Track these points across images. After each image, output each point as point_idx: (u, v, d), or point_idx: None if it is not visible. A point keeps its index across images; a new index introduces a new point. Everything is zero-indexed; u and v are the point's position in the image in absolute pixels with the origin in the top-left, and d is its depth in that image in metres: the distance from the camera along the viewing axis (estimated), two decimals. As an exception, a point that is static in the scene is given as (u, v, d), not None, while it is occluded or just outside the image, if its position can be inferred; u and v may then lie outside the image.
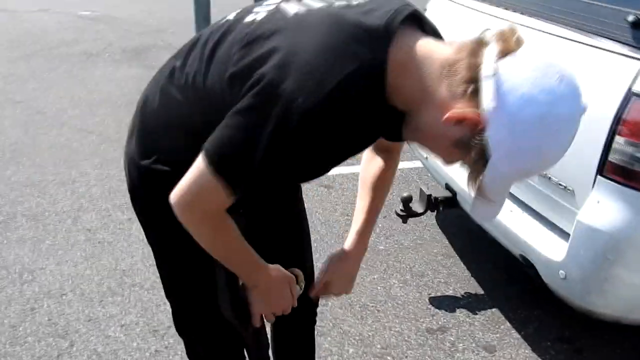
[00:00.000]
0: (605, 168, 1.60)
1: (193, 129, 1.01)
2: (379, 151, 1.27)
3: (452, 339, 2.18)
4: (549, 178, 1.83)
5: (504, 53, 0.82)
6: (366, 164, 1.30)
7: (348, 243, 1.31)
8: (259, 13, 1.01)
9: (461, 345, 2.15)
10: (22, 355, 2.00)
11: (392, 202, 3.13)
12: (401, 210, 2.47)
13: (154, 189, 1.07)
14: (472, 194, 0.92)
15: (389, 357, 2.08)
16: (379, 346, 2.13)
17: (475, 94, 0.82)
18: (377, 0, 0.95)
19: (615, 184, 1.59)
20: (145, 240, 1.26)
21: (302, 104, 0.85)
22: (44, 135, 3.88)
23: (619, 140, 1.56)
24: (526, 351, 2.13)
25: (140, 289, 2.37)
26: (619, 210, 1.59)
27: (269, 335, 1.44)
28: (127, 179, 1.17)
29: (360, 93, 0.88)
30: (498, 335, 2.21)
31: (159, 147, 1.10)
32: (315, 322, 1.53)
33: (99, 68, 5.46)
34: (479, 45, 0.84)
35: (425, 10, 2.87)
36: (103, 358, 2.01)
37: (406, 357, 2.08)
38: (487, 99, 0.81)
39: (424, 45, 0.91)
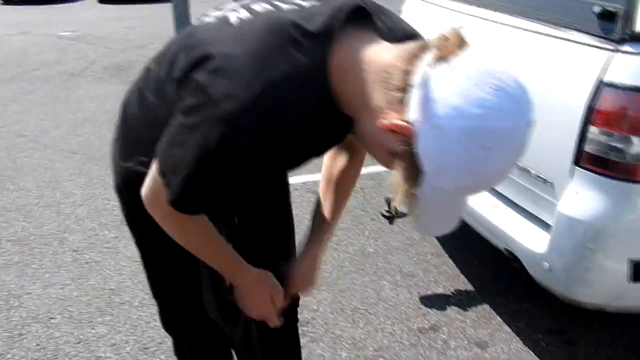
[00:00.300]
0: (582, 159, 1.61)
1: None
2: (343, 147, 1.26)
3: (444, 337, 2.18)
4: (528, 171, 1.84)
5: (440, 60, 0.75)
6: (329, 160, 1.29)
7: (308, 241, 1.29)
8: (209, 17, 1.03)
9: (453, 342, 2.16)
10: (12, 381, 1.99)
11: (379, 204, 3.14)
12: (386, 211, 2.46)
13: (135, 190, 1.07)
14: (406, 208, 0.86)
15: (381, 359, 2.07)
16: (371, 349, 2.13)
17: (404, 102, 0.78)
18: (328, 1, 0.92)
19: (592, 174, 1.60)
20: (134, 258, 1.28)
21: (229, 108, 0.84)
22: (26, 158, 3.86)
23: (593, 130, 1.57)
24: (518, 345, 2.14)
25: (130, 306, 2.36)
26: (597, 199, 1.61)
27: None
28: (114, 182, 1.19)
29: (293, 100, 0.85)
30: (489, 330, 2.22)
31: (139, 149, 1.10)
32: (297, 320, 1.52)
33: (81, 87, 5.44)
34: (419, 49, 0.79)
35: (400, 12, 2.89)
36: (94, 379, 1.99)
37: (399, 358, 2.08)
38: (412, 110, 0.76)
39: (366, 48, 0.86)
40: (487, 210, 2.06)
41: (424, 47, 0.79)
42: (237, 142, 0.85)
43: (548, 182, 1.76)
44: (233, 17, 0.95)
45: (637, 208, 1.57)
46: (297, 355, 1.59)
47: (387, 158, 0.85)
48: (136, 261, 1.29)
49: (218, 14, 1.01)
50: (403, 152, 0.79)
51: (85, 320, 2.28)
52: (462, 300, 2.39)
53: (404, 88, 0.78)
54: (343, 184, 1.28)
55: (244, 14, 0.95)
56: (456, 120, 0.73)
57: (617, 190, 1.57)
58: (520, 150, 0.79)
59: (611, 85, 1.52)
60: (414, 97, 0.76)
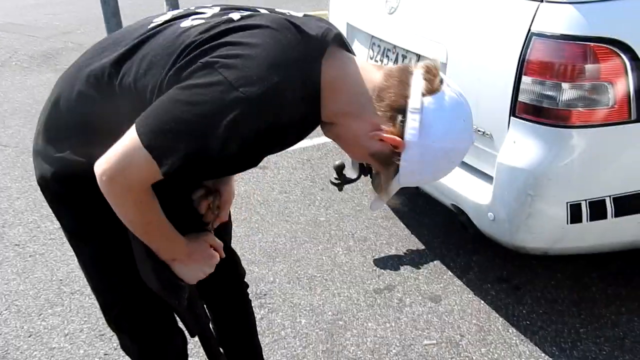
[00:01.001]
0: (517, 108, 1.67)
1: (110, 126, 1.00)
2: None
3: (399, 295, 2.25)
4: (469, 127, 1.90)
5: (429, 91, 0.97)
6: None
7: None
8: (200, 17, 1.06)
9: (408, 299, 2.22)
10: (-40, 382, 1.90)
11: (327, 174, 3.17)
12: (335, 178, 2.50)
13: (71, 179, 1.08)
14: (375, 194, 1.11)
15: (340, 322, 2.12)
16: (330, 313, 2.16)
17: (399, 121, 0.97)
18: (306, 18, 1.06)
19: (528, 123, 1.67)
20: None
21: (242, 92, 0.91)
22: (-46, 154, 3.64)
23: (526, 80, 1.63)
24: (469, 295, 2.23)
25: (81, 295, 2.29)
26: (534, 147, 1.68)
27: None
28: (37, 172, 1.15)
29: (294, 98, 0.96)
30: (442, 285, 2.30)
31: (74, 142, 1.08)
32: (246, 285, 1.52)
33: (6, 78, 5.15)
34: (405, 74, 0.99)
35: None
36: (50, 371, 1.94)
37: (357, 319, 2.13)
38: (412, 131, 0.97)
39: (354, 64, 1.02)
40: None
41: (408, 72, 1.00)
42: (246, 126, 0.93)
43: (487, 134, 1.82)
44: (235, 16, 1.03)
45: (572, 152, 1.66)
46: (251, 323, 1.60)
47: (364, 156, 1.06)
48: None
49: (215, 11, 1.07)
50: (385, 157, 1.01)
51: (34, 313, 2.20)
52: (415, 259, 2.46)
53: (400, 109, 0.98)
54: None
55: (243, 14, 1.04)
56: (439, 142, 0.99)
57: (552, 137, 1.64)
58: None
59: (540, 35, 1.59)
60: (412, 121, 0.97)
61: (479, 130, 1.85)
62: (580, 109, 1.60)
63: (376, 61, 2.38)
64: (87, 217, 1.13)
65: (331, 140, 1.12)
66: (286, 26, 0.99)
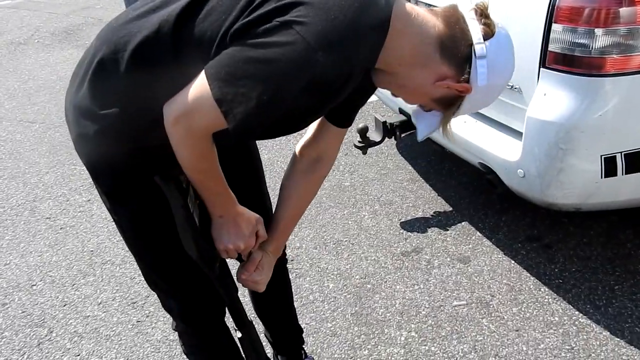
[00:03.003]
0: (547, 59, 1.60)
1: (168, 79, 0.99)
2: (309, 159, 1.27)
3: (427, 257, 2.22)
4: (496, 81, 1.83)
5: (489, 35, 1.00)
6: (296, 166, 1.29)
7: (268, 243, 1.28)
8: None
9: (436, 261, 2.20)
10: (1, 350, 1.96)
11: (351, 137, 3.12)
12: (359, 141, 2.46)
13: (115, 135, 1.06)
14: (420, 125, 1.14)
15: (368, 285, 2.11)
16: (357, 277, 2.16)
17: (467, 69, 1.00)
18: None
19: (559, 73, 1.60)
20: (110, 217, 1.24)
21: (320, 53, 0.91)
22: (-17, 132, 3.71)
23: (556, 28, 1.56)
24: (499, 256, 2.19)
25: (112, 265, 2.33)
26: (566, 98, 1.61)
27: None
28: (76, 130, 1.11)
29: (364, 56, 0.98)
30: (470, 246, 2.26)
31: (123, 99, 1.04)
32: (286, 260, 1.52)
33: (30, 56, 5.20)
34: (463, 19, 1.01)
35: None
36: (85, 338, 1.98)
37: (385, 282, 2.12)
38: (482, 77, 1.00)
39: (417, 12, 1.01)
40: (458, 126, 2.06)
41: (463, 17, 1.01)
42: (320, 84, 0.95)
43: (515, 88, 1.75)
44: None
45: (606, 103, 1.58)
46: (289, 292, 1.61)
47: (426, 102, 1.09)
48: (112, 221, 1.24)
49: None
50: (449, 100, 1.06)
51: (68, 284, 2.25)
52: (442, 221, 2.43)
53: (463, 57, 1.00)
54: (306, 193, 1.31)
55: None
56: (503, 78, 1.06)
57: (584, 87, 1.57)
58: None
59: (571, -22, 1.50)
60: (480, 67, 1.00)
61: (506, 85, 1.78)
62: (614, 56, 1.52)
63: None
64: (124, 184, 1.13)
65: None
66: None
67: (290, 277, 2.15)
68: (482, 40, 0.99)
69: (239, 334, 1.29)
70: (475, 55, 1.00)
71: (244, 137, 0.97)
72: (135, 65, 1.02)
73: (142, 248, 1.23)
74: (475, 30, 1.00)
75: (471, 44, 1.00)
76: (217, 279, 1.20)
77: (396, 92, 1.11)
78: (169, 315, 1.38)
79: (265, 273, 1.28)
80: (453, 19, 1.01)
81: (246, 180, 1.37)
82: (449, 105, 1.07)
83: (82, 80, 1.09)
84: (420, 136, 1.15)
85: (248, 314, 1.32)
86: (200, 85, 0.95)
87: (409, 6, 1.02)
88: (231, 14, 0.96)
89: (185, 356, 1.46)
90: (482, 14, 1.01)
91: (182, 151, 1.01)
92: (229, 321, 1.33)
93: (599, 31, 1.49)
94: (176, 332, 1.42)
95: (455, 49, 1.00)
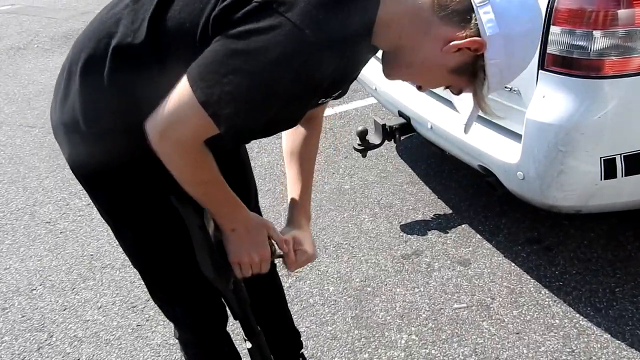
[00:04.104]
0: (546, 61, 1.60)
1: (152, 86, 0.93)
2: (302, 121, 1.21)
3: (427, 260, 2.22)
4: (495, 84, 1.83)
5: None
6: (289, 135, 1.26)
7: (294, 216, 1.24)
8: None
9: (437, 264, 2.19)
10: (1, 355, 1.96)
11: (350, 142, 3.13)
12: (358, 144, 2.46)
13: (105, 151, 1.01)
14: (467, 109, 1.03)
15: (368, 289, 2.11)
16: (357, 280, 2.15)
17: (472, 22, 0.89)
18: None
19: (558, 75, 1.60)
20: None
21: (308, 34, 0.82)
22: (-17, 137, 3.71)
23: (554, 30, 1.56)
24: (499, 258, 2.19)
25: (112, 269, 2.33)
26: (565, 100, 1.61)
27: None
28: (68, 149, 1.06)
29: (358, 31, 0.89)
30: (470, 248, 2.26)
31: (107, 113, 0.99)
32: (275, 265, 1.51)
33: (29, 61, 5.20)
34: None
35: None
36: (85, 342, 1.98)
37: (385, 285, 2.11)
38: (490, 24, 0.88)
39: None
40: (458, 129, 2.06)
41: None
42: (313, 70, 0.86)
43: (514, 90, 1.75)
44: None
45: (605, 104, 1.58)
46: (280, 292, 1.59)
47: (444, 76, 0.97)
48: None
49: None
50: (468, 67, 0.93)
51: (67, 288, 2.25)
52: (442, 224, 2.42)
53: (464, 10, 0.89)
54: (307, 157, 1.26)
55: None
56: (519, 24, 0.90)
57: (583, 89, 1.57)
58: None
59: (569, -19, 1.51)
60: (484, 14, 0.88)
61: (505, 87, 1.79)
62: (613, 58, 1.52)
63: None
64: (128, 199, 1.07)
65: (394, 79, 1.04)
66: None
67: (290, 280, 2.16)
68: None
69: (249, 344, 1.26)
70: (474, 2, 0.88)
71: (239, 140, 0.92)
72: (118, 73, 0.95)
73: (146, 265, 1.19)
74: None
75: None
76: (232, 293, 1.16)
77: (408, 75, 1.01)
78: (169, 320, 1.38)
79: (308, 247, 1.20)
80: None
81: (233, 175, 1.35)
82: (472, 75, 0.95)
83: (64, 94, 1.03)
84: (467, 130, 1.07)
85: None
86: (182, 91, 0.86)
87: None
88: (209, 1, 0.89)
89: (185, 362, 1.46)
90: None
91: (175, 168, 0.93)
92: (235, 332, 1.32)
93: (597, 33, 1.50)
94: (177, 340, 1.41)
95: (454, 5, 0.89)
